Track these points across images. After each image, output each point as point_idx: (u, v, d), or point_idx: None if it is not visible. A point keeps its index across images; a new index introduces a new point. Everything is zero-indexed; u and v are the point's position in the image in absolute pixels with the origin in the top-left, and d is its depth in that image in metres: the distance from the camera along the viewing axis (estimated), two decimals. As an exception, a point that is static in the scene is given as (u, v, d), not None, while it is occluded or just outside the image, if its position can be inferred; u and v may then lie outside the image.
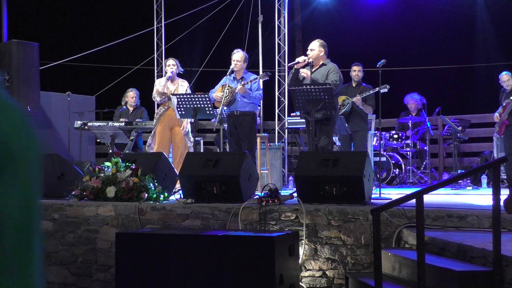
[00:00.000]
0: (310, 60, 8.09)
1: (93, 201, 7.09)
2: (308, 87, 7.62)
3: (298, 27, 17.30)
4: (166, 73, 9.34)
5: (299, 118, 11.22)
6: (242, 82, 8.64)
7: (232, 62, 8.77)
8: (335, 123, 8.24)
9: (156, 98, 9.28)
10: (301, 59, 8.12)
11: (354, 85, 9.99)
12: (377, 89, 9.08)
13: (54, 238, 7.03)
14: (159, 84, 9.23)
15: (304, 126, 11.51)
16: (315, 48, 8.18)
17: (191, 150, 8.99)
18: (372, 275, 4.94)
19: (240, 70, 8.79)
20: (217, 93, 8.76)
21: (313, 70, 8.09)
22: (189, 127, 9.19)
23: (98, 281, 6.78)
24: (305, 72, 8.07)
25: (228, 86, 8.70)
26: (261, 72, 11.85)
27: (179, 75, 9.41)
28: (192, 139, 9.19)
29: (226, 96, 8.62)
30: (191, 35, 13.95)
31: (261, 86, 8.96)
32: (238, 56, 8.79)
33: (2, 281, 1.21)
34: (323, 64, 8.22)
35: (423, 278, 4.27)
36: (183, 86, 9.18)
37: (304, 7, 16.58)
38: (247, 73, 8.90)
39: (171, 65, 9.22)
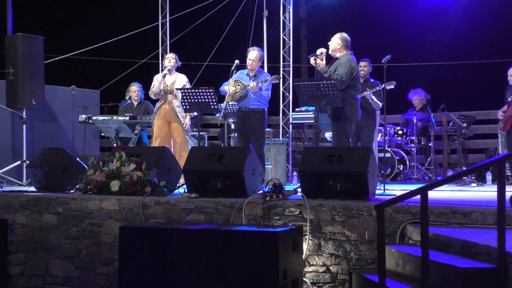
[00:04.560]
0: (320, 52, 8.03)
1: (97, 195, 7.10)
2: (312, 82, 7.60)
3: (303, 22, 17.28)
4: (164, 67, 9.36)
5: (306, 113, 11.20)
6: (255, 81, 8.65)
7: (248, 60, 8.78)
8: (347, 119, 7.97)
9: (152, 95, 9.31)
10: (318, 51, 8.07)
11: (361, 81, 9.95)
12: (383, 85, 9.05)
13: (58, 231, 7.04)
14: (156, 80, 9.25)
15: (308, 121, 11.56)
16: (334, 40, 8.16)
17: (190, 145, 9.00)
18: (375, 271, 4.93)
19: (254, 68, 8.81)
20: (230, 86, 8.75)
21: (331, 63, 8.11)
22: (187, 120, 9.19)
23: (101, 274, 6.79)
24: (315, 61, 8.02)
25: (240, 82, 8.72)
26: (265, 66, 11.87)
27: (178, 69, 9.42)
28: (189, 135, 9.21)
29: (237, 92, 8.66)
30: (196, 30, 13.94)
31: (271, 87, 8.94)
32: (253, 55, 8.80)
33: None
34: (337, 58, 8.16)
35: (427, 274, 4.26)
36: (181, 80, 9.20)
37: (309, 2, 16.56)
38: (261, 71, 8.94)
39: (169, 58, 9.26)
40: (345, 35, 8.17)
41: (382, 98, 9.34)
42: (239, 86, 8.70)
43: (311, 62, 8.10)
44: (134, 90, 11.12)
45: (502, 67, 10.66)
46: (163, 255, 5.69)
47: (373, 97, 9.44)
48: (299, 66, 16.63)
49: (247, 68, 8.84)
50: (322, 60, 8.04)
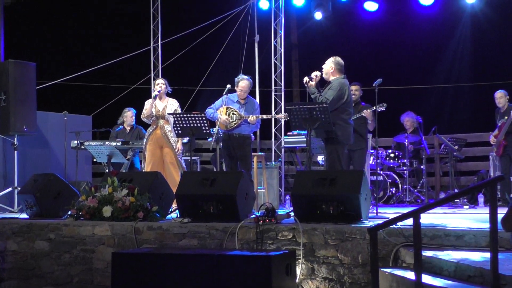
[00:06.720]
0: (315, 75, 8.06)
1: (89, 220, 7.07)
2: (304, 106, 7.61)
3: (294, 46, 17.36)
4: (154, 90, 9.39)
5: (298, 137, 11.21)
6: (255, 115, 8.73)
7: (238, 89, 8.90)
8: (338, 142, 7.90)
9: (144, 118, 9.30)
10: (313, 74, 8.09)
11: (353, 104, 9.97)
12: (374, 107, 9.09)
13: (50, 258, 7.00)
14: (147, 104, 9.24)
15: (300, 145, 11.56)
16: (328, 64, 8.16)
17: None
18: (369, 294, 4.92)
19: (245, 97, 8.99)
20: (222, 115, 8.75)
21: (324, 86, 8.14)
22: (179, 145, 9.18)
23: (94, 301, 6.74)
24: (308, 82, 8.04)
25: (235, 111, 8.79)
26: (257, 90, 11.94)
27: (168, 95, 9.41)
28: (183, 160, 9.21)
29: (233, 121, 8.76)
30: (188, 54, 13.97)
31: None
32: (245, 84, 9.01)
33: None
34: (329, 82, 8.18)
35: (420, 297, 4.25)
36: (172, 105, 9.18)
37: (300, 26, 16.65)
38: (250, 99, 9.10)
39: (160, 84, 9.25)
40: (338, 59, 8.20)
41: (375, 121, 9.37)
42: (234, 115, 8.78)
43: (304, 81, 8.11)
44: (131, 115, 11.18)
45: (492, 89, 10.73)
46: (156, 281, 5.66)
47: (371, 119, 9.47)
48: (290, 90, 16.67)
49: (236, 93, 8.94)
50: (315, 82, 8.08)
